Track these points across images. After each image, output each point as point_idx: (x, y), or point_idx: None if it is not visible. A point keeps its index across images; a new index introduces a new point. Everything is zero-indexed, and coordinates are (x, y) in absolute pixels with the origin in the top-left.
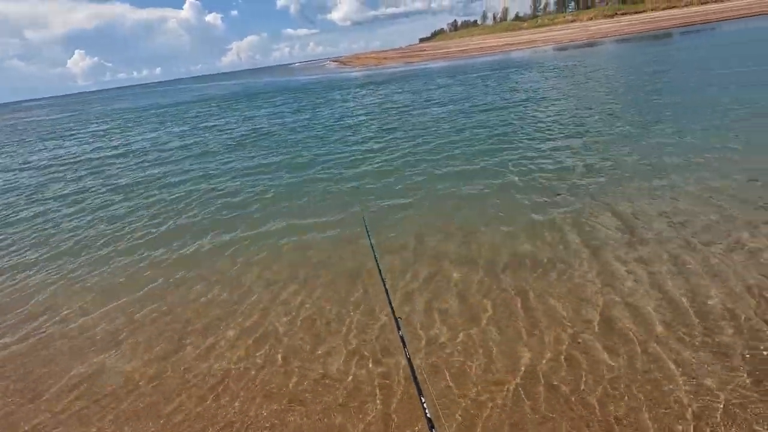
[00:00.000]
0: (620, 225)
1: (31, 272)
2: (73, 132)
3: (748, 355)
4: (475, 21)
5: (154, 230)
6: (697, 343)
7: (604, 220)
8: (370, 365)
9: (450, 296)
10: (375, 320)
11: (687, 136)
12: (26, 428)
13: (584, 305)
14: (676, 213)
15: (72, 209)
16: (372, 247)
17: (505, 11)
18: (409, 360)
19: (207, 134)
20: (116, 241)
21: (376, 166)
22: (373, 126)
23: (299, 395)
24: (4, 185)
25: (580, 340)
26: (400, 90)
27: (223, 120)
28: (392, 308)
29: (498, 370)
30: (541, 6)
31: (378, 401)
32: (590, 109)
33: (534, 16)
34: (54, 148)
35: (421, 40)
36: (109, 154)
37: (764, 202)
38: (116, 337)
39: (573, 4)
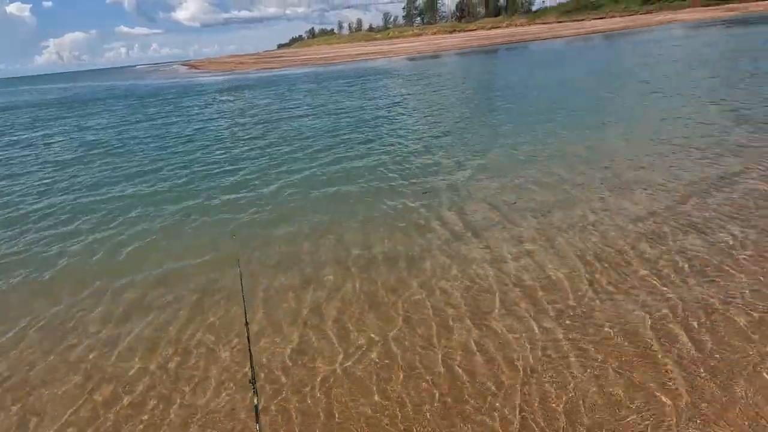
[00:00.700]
0: (484, 214)
1: None
2: None
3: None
4: (332, 30)
5: None
6: (543, 315)
7: (467, 211)
8: None
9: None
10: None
11: (520, 131)
12: None
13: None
14: (528, 200)
15: None
16: (244, 305)
17: (359, 22)
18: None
19: (19, 152)
20: None
21: (245, 176)
22: (240, 133)
23: None
24: None
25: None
26: (264, 96)
27: (40, 133)
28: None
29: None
30: (391, 19)
31: None
32: (447, 111)
33: (386, 28)
34: None
35: (280, 46)
36: None
37: (599, 184)
38: None
39: (419, 19)
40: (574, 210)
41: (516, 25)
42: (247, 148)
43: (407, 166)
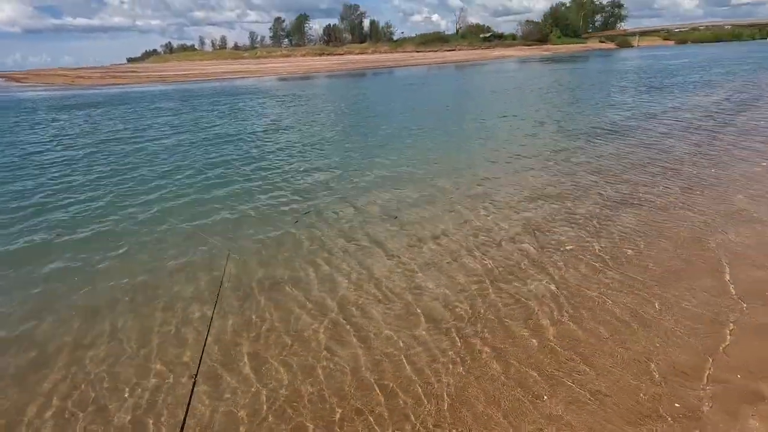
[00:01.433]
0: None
1: None
2: None
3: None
4: (193, 45)
5: None
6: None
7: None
8: None
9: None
10: None
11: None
12: None
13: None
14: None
15: None
16: None
17: (224, 39)
18: None
19: None
20: None
21: (91, 206)
22: (85, 161)
23: None
24: None
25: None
26: (116, 115)
27: None
28: None
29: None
30: (258, 39)
31: None
32: (323, 132)
33: (253, 48)
34: None
35: (130, 60)
36: None
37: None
38: None
39: (286, 40)
40: (434, 223)
41: (381, 52)
42: (97, 174)
43: (283, 186)
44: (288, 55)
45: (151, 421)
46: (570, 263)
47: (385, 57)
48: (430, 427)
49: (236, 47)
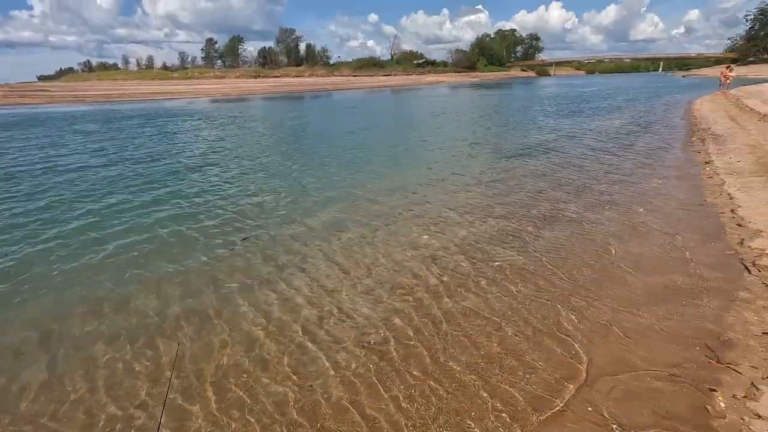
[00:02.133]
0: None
1: None
2: None
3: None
4: (115, 64)
5: None
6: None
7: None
8: None
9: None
10: None
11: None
12: None
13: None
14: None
15: None
16: None
17: (151, 59)
18: None
19: None
20: None
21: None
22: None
23: None
24: None
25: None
26: (26, 139)
27: None
28: None
29: None
30: (189, 59)
31: None
32: (261, 152)
33: (183, 68)
34: None
35: (42, 78)
36: None
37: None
38: None
39: (219, 61)
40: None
41: (318, 75)
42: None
43: (220, 213)
44: (222, 77)
45: None
46: (497, 277)
47: (324, 80)
48: None
49: (165, 67)
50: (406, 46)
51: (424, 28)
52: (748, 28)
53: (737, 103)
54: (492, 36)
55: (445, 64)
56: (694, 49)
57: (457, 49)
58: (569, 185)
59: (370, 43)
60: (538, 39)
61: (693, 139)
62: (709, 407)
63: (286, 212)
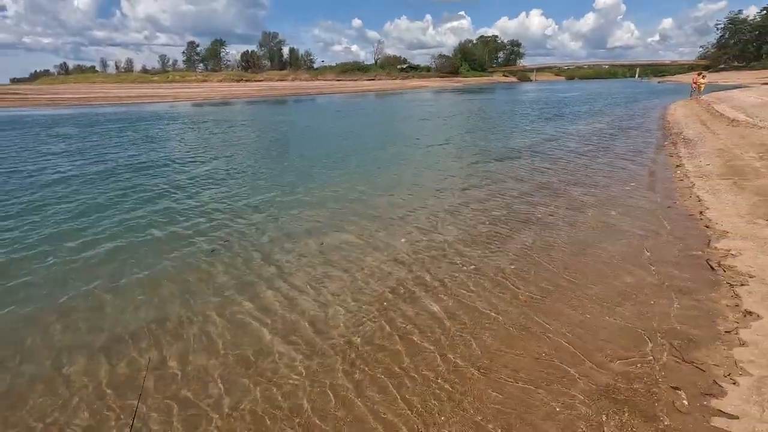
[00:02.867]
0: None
1: None
2: None
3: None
4: (93, 67)
5: None
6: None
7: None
8: None
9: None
10: None
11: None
12: None
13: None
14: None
15: None
16: None
17: (130, 62)
18: None
19: None
20: None
21: None
22: None
23: None
24: None
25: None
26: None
27: None
28: None
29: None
30: (170, 62)
31: None
32: (245, 157)
33: (164, 71)
34: None
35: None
36: None
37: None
38: None
39: (201, 65)
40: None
41: (301, 79)
42: None
43: (194, 218)
44: (204, 80)
45: None
46: (470, 280)
47: (308, 84)
48: None
49: (145, 70)
50: (390, 51)
51: (407, 34)
52: (718, 36)
53: (708, 108)
54: (474, 42)
55: (428, 69)
56: (668, 57)
57: (440, 55)
58: (547, 188)
59: (354, 47)
60: (519, 45)
61: (666, 143)
62: (673, 405)
63: (264, 218)
